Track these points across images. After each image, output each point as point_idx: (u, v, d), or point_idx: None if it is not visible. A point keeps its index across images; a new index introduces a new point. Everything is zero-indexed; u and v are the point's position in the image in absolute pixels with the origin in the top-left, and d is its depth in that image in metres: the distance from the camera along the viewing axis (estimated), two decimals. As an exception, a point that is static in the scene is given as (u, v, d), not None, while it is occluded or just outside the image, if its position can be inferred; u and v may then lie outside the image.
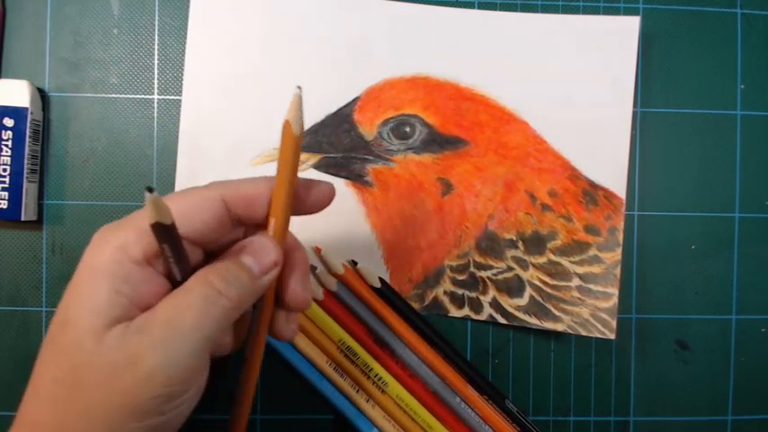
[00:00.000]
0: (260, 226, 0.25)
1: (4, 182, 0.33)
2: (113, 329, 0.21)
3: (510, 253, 0.36)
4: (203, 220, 0.23)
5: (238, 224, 0.25)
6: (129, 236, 0.22)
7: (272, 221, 0.24)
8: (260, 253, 0.23)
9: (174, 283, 0.23)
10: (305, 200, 0.25)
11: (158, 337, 0.21)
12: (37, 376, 0.22)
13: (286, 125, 0.23)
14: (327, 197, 0.26)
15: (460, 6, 0.36)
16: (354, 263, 0.36)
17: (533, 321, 0.36)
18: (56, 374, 0.21)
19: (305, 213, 0.26)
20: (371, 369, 0.35)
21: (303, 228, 0.35)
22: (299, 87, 0.22)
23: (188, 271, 0.23)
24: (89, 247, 0.22)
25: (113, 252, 0.22)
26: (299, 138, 0.23)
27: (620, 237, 0.36)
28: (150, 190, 0.20)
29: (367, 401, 0.34)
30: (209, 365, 0.24)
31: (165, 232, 0.21)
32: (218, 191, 0.23)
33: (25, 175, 0.33)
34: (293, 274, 0.26)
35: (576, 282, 0.36)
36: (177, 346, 0.21)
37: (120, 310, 0.21)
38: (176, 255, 0.22)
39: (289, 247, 0.26)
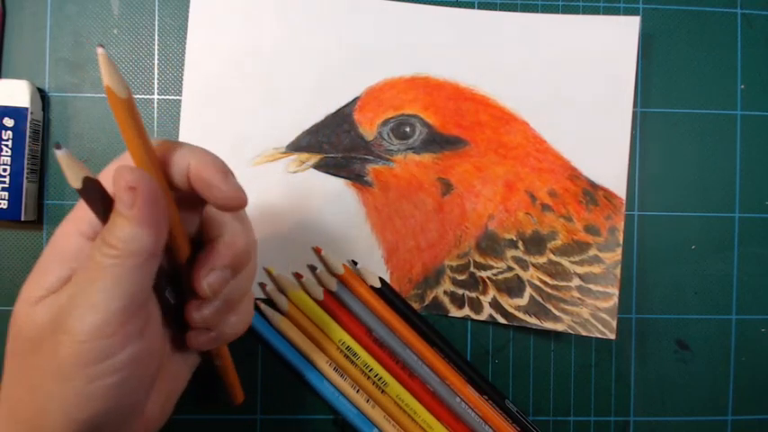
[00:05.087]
0: (194, 195, 0.23)
1: (4, 182, 0.33)
2: (47, 298, 0.21)
3: (510, 253, 0.36)
4: None
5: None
6: (80, 212, 0.23)
7: None
8: (115, 191, 0.21)
9: None
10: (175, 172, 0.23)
11: (74, 292, 0.21)
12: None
13: (108, 92, 0.20)
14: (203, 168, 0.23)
15: (460, 6, 0.36)
16: (354, 263, 0.36)
17: (533, 321, 0.36)
18: (10, 348, 0.22)
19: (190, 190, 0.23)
20: (371, 369, 0.35)
21: (303, 228, 0.35)
22: (101, 46, 0.20)
23: None
24: None
25: (64, 227, 0.22)
26: (128, 100, 0.21)
27: (620, 237, 0.36)
28: (58, 147, 0.19)
29: (367, 401, 0.34)
30: (145, 334, 0.22)
31: (91, 193, 0.21)
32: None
33: (25, 175, 0.33)
34: (204, 256, 0.24)
35: (576, 282, 0.36)
36: (91, 299, 0.20)
37: (64, 283, 0.22)
38: (107, 217, 0.21)
39: (215, 231, 0.24)
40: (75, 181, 0.20)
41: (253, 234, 0.26)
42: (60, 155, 0.19)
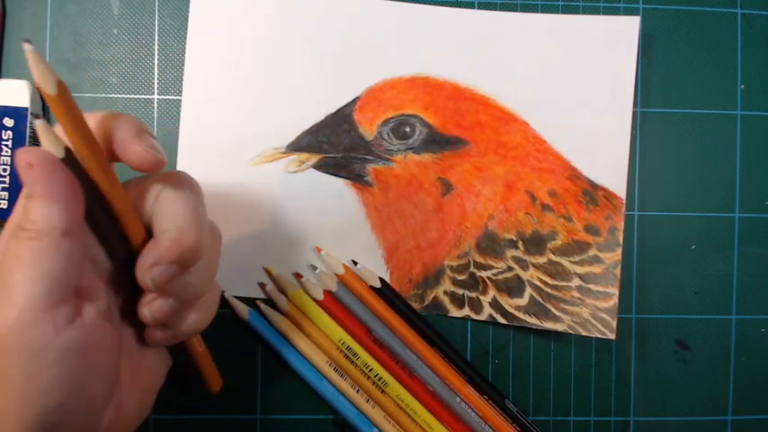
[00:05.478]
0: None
1: (4, 182, 0.33)
2: None
3: (510, 253, 0.36)
4: None
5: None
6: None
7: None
8: (18, 173, 0.21)
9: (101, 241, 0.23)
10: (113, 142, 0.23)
11: (2, 281, 0.20)
12: None
13: (38, 89, 0.20)
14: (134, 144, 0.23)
15: (460, 6, 0.36)
16: (354, 263, 0.36)
17: (533, 321, 0.36)
18: None
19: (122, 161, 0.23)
20: (371, 369, 0.35)
21: (303, 228, 0.35)
22: (28, 41, 0.19)
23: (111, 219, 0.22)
24: None
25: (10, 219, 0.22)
26: (57, 95, 0.20)
27: (620, 237, 0.36)
28: (37, 116, 0.20)
29: (367, 401, 0.34)
30: (78, 323, 0.22)
31: (72, 165, 0.21)
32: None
33: (25, 175, 0.33)
34: (149, 249, 0.23)
35: (576, 282, 0.36)
36: (10, 290, 0.20)
37: None
38: (89, 195, 0.21)
39: (165, 224, 0.23)
40: (58, 151, 0.20)
41: (208, 231, 0.25)
42: (39, 125, 0.19)
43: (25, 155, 0.20)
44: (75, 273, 0.21)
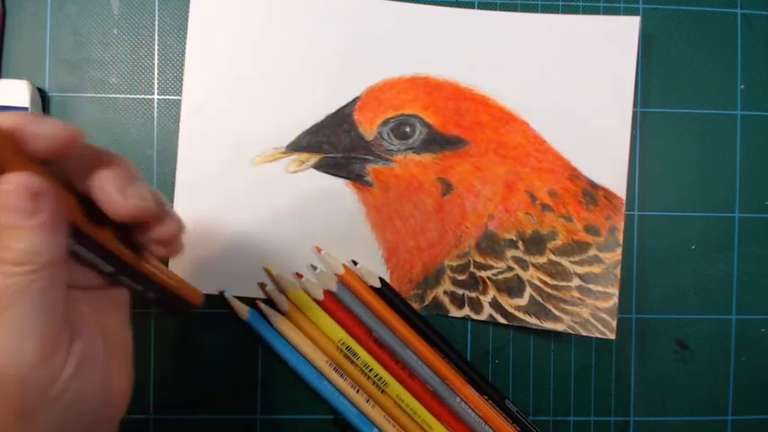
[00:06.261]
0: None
1: (4, 182, 0.33)
2: None
3: (510, 253, 0.36)
4: None
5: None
6: None
7: None
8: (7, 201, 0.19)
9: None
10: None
11: None
12: None
13: None
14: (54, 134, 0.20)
15: (460, 6, 0.36)
16: (354, 263, 0.36)
17: (533, 321, 0.36)
18: None
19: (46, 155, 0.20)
20: (371, 369, 0.35)
21: (303, 227, 0.35)
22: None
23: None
24: None
25: None
26: None
27: (620, 237, 0.36)
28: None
29: (367, 401, 0.34)
30: (80, 330, 0.22)
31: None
32: None
33: (25, 175, 0.33)
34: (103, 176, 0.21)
35: (576, 282, 0.36)
36: (13, 329, 0.19)
37: None
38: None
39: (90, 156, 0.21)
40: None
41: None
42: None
43: (27, 181, 0.18)
44: (65, 288, 0.21)
